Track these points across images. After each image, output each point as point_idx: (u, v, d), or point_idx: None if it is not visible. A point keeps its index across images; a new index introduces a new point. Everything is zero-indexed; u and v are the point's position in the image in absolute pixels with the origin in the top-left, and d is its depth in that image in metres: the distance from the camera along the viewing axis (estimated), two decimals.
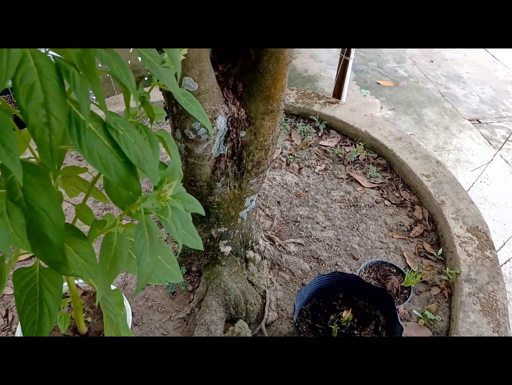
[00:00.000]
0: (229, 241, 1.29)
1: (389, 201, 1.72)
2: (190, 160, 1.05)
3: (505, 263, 1.72)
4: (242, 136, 1.04)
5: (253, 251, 1.39)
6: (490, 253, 1.40)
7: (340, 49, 2.33)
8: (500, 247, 1.68)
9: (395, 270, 1.33)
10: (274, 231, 1.56)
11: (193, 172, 1.07)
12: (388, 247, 1.54)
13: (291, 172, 1.82)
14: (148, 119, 0.59)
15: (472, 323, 1.22)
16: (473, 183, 2.18)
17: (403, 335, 1.17)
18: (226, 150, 1.06)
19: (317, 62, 3.17)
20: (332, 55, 3.26)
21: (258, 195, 1.71)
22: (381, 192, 1.75)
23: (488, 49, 3.48)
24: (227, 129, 1.02)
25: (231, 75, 1.01)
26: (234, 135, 1.04)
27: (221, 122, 0.99)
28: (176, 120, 0.98)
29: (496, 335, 1.19)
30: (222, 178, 1.11)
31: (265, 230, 1.55)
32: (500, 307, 1.25)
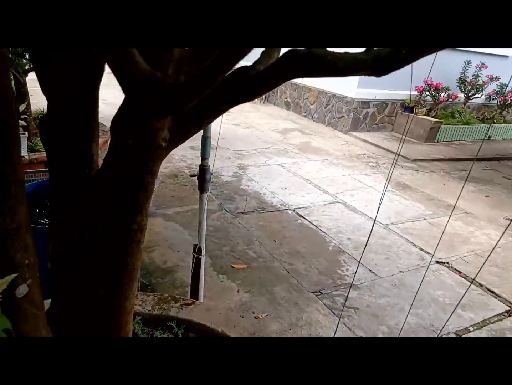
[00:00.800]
0: None
1: None
2: None
3: None
4: None
5: None
6: None
7: (192, 253, 2.56)
8: None
9: None
10: None
11: None
12: None
13: None
14: None
15: None
16: None
17: None
18: None
19: (175, 252, 3.39)
20: (189, 243, 3.54)
21: None
22: None
23: (320, 226, 4.23)
24: None
25: None
26: None
27: None
28: None
29: None
30: None
31: None
32: None
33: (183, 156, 5.79)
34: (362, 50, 0.73)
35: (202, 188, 2.29)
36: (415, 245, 4.04)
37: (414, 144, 8.06)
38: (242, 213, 4.32)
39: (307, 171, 5.94)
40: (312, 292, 3.12)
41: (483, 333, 2.87)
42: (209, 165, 2.27)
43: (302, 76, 0.73)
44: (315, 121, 9.41)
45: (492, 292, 3.40)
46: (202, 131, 2.20)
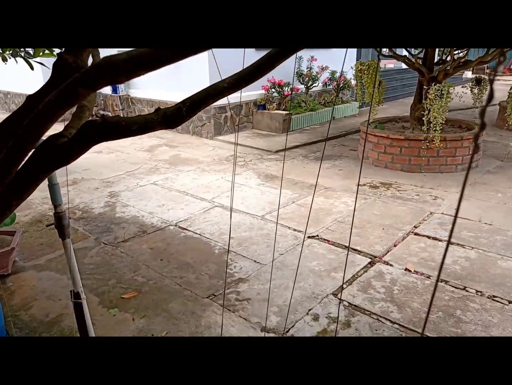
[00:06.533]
0: None
1: None
2: None
3: None
4: None
5: None
6: None
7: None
8: None
9: None
10: None
11: None
12: None
13: None
14: None
15: None
16: None
17: None
18: None
19: (56, 302, 3.18)
20: (70, 288, 3.34)
21: None
22: None
23: (203, 234, 4.37)
24: None
25: None
26: None
27: None
28: None
29: None
30: None
31: None
32: None
33: (44, 198, 5.35)
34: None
35: (63, 234, 2.24)
36: (289, 228, 4.48)
37: (273, 137, 8.79)
38: (123, 241, 4.23)
39: (181, 183, 6.04)
40: (206, 297, 3.26)
41: (354, 287, 3.38)
42: (64, 211, 2.22)
43: (105, 141, 0.85)
44: (180, 132, 9.54)
45: (355, 250, 4.00)
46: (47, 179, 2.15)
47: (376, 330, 2.82)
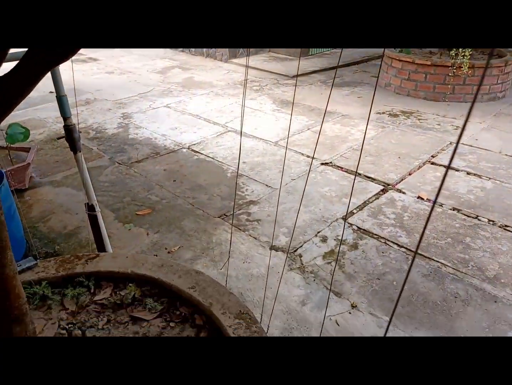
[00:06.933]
0: None
1: (173, 322, 1.94)
2: None
3: (268, 328, 2.17)
4: None
5: None
6: (256, 327, 1.77)
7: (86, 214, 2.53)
8: (261, 317, 2.13)
9: None
10: None
11: None
12: None
13: None
14: None
15: None
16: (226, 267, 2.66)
17: None
18: None
19: (73, 216, 3.30)
20: None
21: None
22: (164, 317, 1.96)
23: (215, 157, 4.36)
24: None
25: None
26: None
27: None
28: None
29: None
30: None
31: None
32: None
33: (58, 116, 5.32)
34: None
35: (74, 148, 2.23)
36: (302, 154, 4.42)
37: (291, 61, 8.36)
38: (136, 162, 4.26)
39: (194, 107, 5.91)
40: (218, 217, 3.33)
41: (365, 212, 3.39)
42: (74, 124, 2.19)
43: None
44: (194, 54, 9.14)
45: (369, 177, 3.95)
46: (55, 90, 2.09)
47: (382, 252, 2.87)
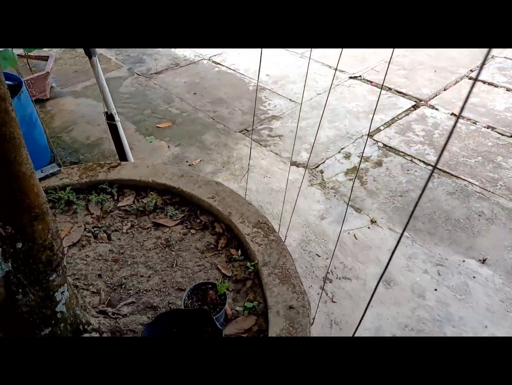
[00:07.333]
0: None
1: (194, 229, 1.99)
2: None
3: (285, 239, 2.21)
4: (20, 247, 1.13)
5: (88, 332, 1.46)
6: (273, 236, 1.80)
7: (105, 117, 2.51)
8: (279, 228, 2.15)
9: (210, 285, 1.59)
10: (104, 303, 1.65)
11: None
12: (205, 267, 1.81)
13: (102, 242, 1.92)
14: None
15: (277, 295, 1.57)
16: (246, 180, 2.66)
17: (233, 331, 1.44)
18: (10, 266, 1.13)
19: (95, 126, 3.29)
20: None
21: (77, 278, 1.76)
22: (185, 224, 2.01)
23: (237, 69, 4.16)
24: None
25: None
26: (11, 250, 1.12)
27: None
28: None
29: (295, 295, 1.57)
30: (20, 289, 1.17)
31: (95, 307, 1.62)
32: (291, 273, 1.64)
33: None
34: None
35: (89, 52, 2.13)
36: (330, 67, 4.14)
37: None
38: (156, 73, 4.11)
39: None
40: (239, 132, 3.26)
41: (392, 129, 3.23)
42: None
43: None
44: None
45: (400, 92, 3.71)
46: None
47: (407, 170, 2.78)
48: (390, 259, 0.71)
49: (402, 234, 0.72)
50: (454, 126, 0.68)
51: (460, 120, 3.28)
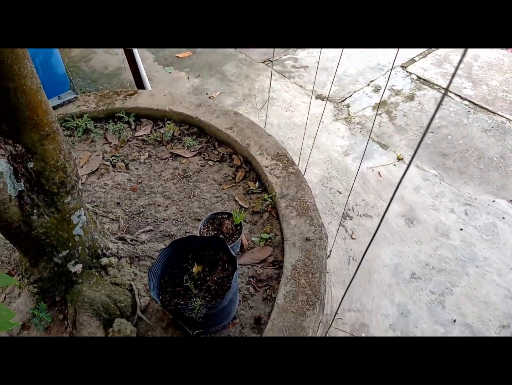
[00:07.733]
0: (76, 260, 1.37)
1: (212, 160, 1.95)
2: None
3: (305, 172, 2.13)
4: (31, 166, 1.11)
5: (107, 257, 1.49)
6: (293, 168, 1.73)
7: None
8: (298, 162, 2.07)
9: (226, 215, 1.57)
10: (123, 230, 1.67)
11: (2, 218, 1.11)
12: (222, 198, 1.79)
13: (120, 171, 1.91)
14: None
15: (294, 227, 1.53)
16: (265, 112, 2.55)
17: (248, 258, 1.44)
18: (23, 185, 1.12)
19: (114, 56, 3.18)
20: None
21: (96, 205, 1.78)
22: (203, 156, 1.97)
23: None
24: (11, 167, 1.07)
25: None
26: (23, 169, 1.10)
27: (1, 164, 1.04)
28: None
29: (312, 228, 1.53)
30: (35, 210, 1.18)
31: (114, 233, 1.65)
32: (309, 206, 1.60)
33: None
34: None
35: None
36: None
37: None
38: None
39: None
40: (262, 62, 3.09)
41: (428, 60, 2.98)
42: None
43: None
44: None
45: None
46: None
47: (442, 105, 2.59)
48: (398, 184, 0.63)
49: (410, 161, 0.64)
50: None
51: (503, 51, 2.98)
